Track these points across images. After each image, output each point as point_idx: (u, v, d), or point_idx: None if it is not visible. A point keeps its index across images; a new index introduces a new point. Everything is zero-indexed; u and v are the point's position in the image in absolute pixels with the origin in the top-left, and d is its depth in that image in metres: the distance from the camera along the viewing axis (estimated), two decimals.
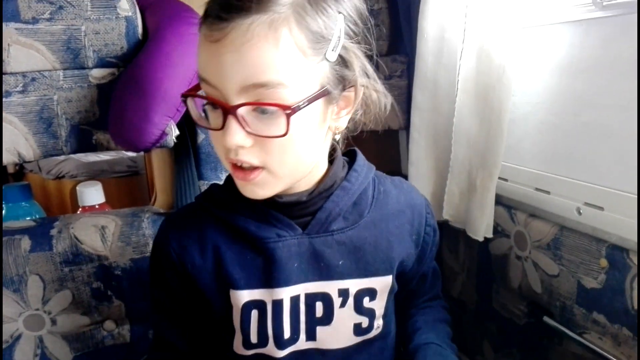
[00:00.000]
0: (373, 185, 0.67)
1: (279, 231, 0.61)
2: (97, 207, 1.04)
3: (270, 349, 0.63)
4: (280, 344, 0.63)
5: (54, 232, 0.89)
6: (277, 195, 0.60)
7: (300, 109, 0.51)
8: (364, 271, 0.64)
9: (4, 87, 0.87)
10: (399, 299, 0.73)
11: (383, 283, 0.65)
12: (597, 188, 0.78)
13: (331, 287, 0.63)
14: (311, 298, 0.63)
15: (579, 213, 0.81)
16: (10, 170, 1.92)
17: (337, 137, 0.63)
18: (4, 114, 0.88)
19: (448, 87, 0.97)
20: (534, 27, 0.87)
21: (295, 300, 0.62)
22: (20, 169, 1.95)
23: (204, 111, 0.58)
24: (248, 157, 0.54)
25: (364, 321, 0.65)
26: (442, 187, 1.01)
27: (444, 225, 1.08)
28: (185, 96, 0.56)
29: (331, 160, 0.65)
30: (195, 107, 0.57)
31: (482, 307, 1.07)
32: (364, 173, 0.66)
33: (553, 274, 0.85)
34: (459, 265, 1.14)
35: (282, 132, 0.51)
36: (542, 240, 0.87)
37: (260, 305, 0.62)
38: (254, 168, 0.55)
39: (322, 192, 0.62)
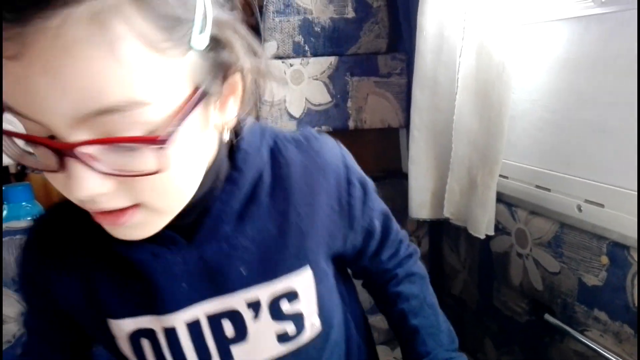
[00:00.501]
0: (271, 158, 0.52)
1: (155, 248, 0.48)
2: None
3: None
4: None
5: None
6: None
7: (175, 134, 0.36)
8: (274, 272, 0.52)
9: None
10: (361, 273, 0.67)
11: (302, 280, 0.54)
12: (597, 185, 0.78)
13: (236, 301, 0.51)
14: (215, 319, 0.51)
15: (580, 210, 0.81)
16: (12, 170, 1.92)
17: (226, 136, 0.48)
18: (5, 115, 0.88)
19: (448, 85, 0.97)
20: (534, 24, 0.87)
21: (194, 325, 0.51)
22: (22, 169, 1.95)
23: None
24: (114, 203, 0.39)
25: (289, 327, 0.54)
26: (443, 185, 1.01)
27: (444, 223, 1.08)
28: None
29: None
30: (10, 145, 0.38)
31: (484, 304, 1.07)
32: (255, 149, 0.51)
33: (554, 272, 0.85)
34: (460, 263, 1.14)
35: (156, 168, 0.37)
36: (543, 237, 0.86)
37: (149, 334, 0.51)
38: (125, 208, 0.40)
39: (205, 194, 0.48)
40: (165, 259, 0.48)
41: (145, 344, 0.51)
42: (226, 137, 0.48)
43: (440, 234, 1.20)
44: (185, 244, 0.49)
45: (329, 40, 1.11)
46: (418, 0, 0.97)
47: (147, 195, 0.40)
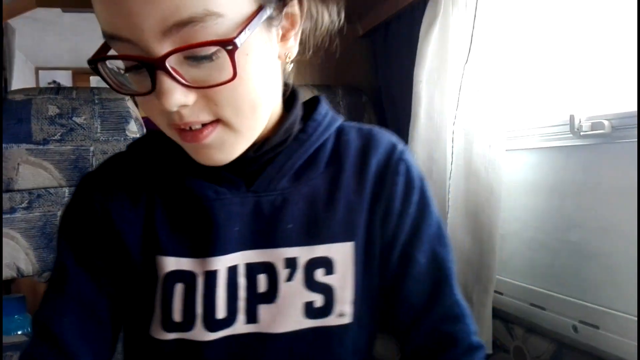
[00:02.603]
0: (336, 136, 0.57)
1: (218, 188, 0.52)
2: None
3: (197, 332, 0.51)
4: (211, 324, 0.51)
5: None
6: None
7: (243, 40, 0.41)
8: (317, 237, 0.53)
9: (10, 204, 0.89)
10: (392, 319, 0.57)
11: (342, 252, 0.53)
12: (591, 307, 0.79)
13: (276, 256, 0.52)
14: (252, 269, 0.52)
15: (576, 331, 0.81)
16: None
17: (290, 66, 0.53)
18: (6, 230, 0.90)
19: (439, 204, 1.00)
20: (518, 151, 0.93)
21: (232, 272, 0.52)
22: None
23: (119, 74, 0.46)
24: (197, 116, 0.44)
25: (317, 299, 0.52)
26: None
27: None
28: (93, 62, 0.43)
29: (289, 107, 0.55)
30: (110, 74, 0.45)
31: None
32: (326, 124, 0.56)
33: None
34: None
35: (230, 76, 0.41)
36: (542, 356, 0.86)
37: (187, 277, 0.51)
38: (206, 124, 0.45)
39: (275, 146, 0.52)
40: (225, 198, 0.52)
41: (179, 289, 0.51)
42: (299, 98, 0.56)
43: None
44: (245, 189, 0.52)
45: None
46: (408, 126, 1.03)
47: (225, 109, 0.44)
